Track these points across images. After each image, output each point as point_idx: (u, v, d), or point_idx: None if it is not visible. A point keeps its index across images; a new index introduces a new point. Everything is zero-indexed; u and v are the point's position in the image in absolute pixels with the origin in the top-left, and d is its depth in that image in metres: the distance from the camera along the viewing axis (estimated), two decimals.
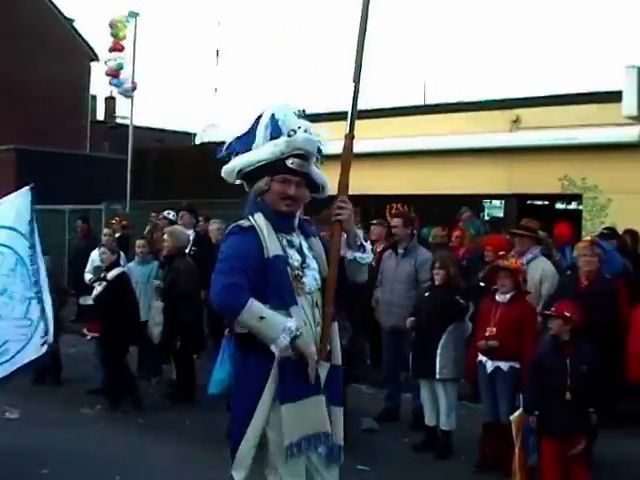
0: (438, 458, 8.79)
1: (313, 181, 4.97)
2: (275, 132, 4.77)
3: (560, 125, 15.67)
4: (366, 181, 16.80)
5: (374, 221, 12.98)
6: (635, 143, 15.16)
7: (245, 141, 4.90)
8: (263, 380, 4.58)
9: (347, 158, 4.92)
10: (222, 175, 4.94)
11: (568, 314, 7.60)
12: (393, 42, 75.61)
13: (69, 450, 8.85)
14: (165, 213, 14.51)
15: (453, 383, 8.97)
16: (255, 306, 4.47)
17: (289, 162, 4.73)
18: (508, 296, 8.38)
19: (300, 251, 4.88)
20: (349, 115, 4.96)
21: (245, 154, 4.84)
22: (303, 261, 4.84)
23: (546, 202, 18.53)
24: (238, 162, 4.84)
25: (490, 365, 8.34)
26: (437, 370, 8.78)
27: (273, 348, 4.46)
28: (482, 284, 9.58)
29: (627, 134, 15.16)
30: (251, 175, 4.84)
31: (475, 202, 16.95)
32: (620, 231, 12.42)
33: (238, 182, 4.95)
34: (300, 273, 4.78)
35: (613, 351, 8.65)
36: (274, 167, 4.74)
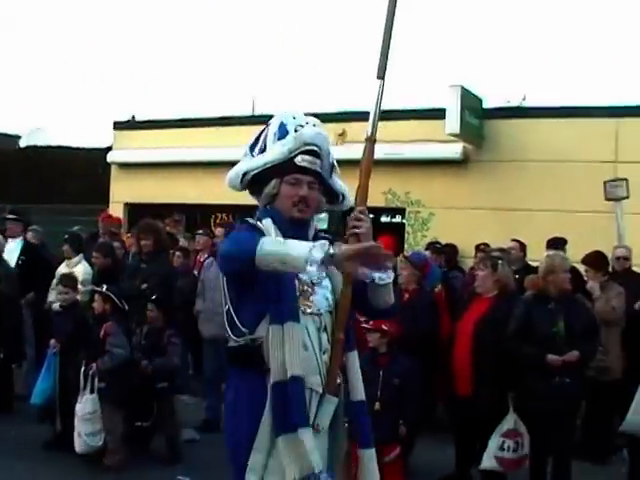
0: None
1: (329, 188, 4.57)
2: (282, 134, 4.39)
3: (385, 140, 15.43)
4: (192, 190, 17.69)
5: (200, 231, 13.14)
6: (457, 160, 15.63)
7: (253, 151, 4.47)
8: (262, 403, 4.08)
9: (368, 164, 4.46)
10: (227, 183, 4.56)
11: (385, 327, 7.85)
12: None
13: None
14: None
15: None
16: (271, 238, 4.05)
17: (298, 160, 4.34)
18: None
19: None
20: (372, 116, 4.48)
21: (251, 158, 4.44)
22: (315, 277, 4.30)
23: (371, 215, 18.46)
24: (243, 165, 4.46)
25: None
26: None
27: (308, 267, 3.78)
28: None
29: (450, 151, 15.55)
30: (258, 180, 4.40)
31: None
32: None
33: (241, 189, 4.55)
34: (310, 290, 4.31)
35: (433, 362, 8.92)
36: (283, 168, 4.34)
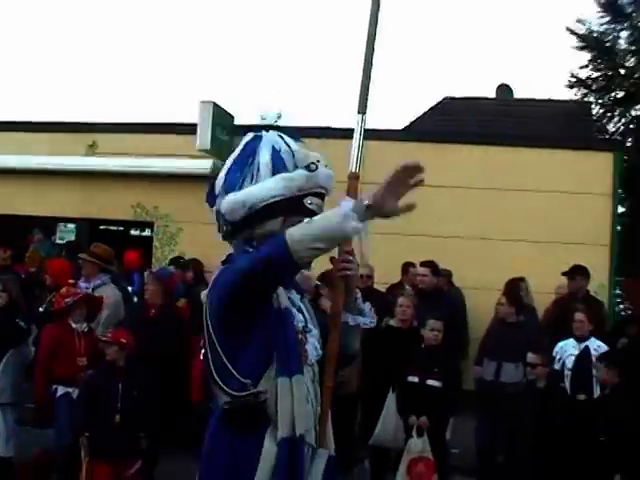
0: None
1: None
2: (278, 163, 4.03)
3: (136, 152, 15.67)
4: None
5: None
6: (206, 175, 15.25)
7: (235, 179, 4.07)
8: (257, 460, 3.68)
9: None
10: (224, 211, 4.03)
11: (123, 340, 8.01)
12: None
13: None
14: None
15: (12, 407, 9.00)
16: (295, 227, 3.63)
17: (308, 202, 3.97)
18: (85, 325, 8.82)
19: (301, 312, 4.05)
20: (354, 152, 4.09)
21: (250, 188, 3.97)
22: (305, 324, 4.02)
23: (120, 227, 16.30)
24: (247, 196, 3.94)
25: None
26: None
27: (353, 224, 3.58)
28: (41, 309, 10.27)
29: (200, 166, 15.48)
30: (258, 212, 3.95)
31: (48, 224, 16.59)
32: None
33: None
34: (304, 339, 3.95)
35: (173, 375, 9.10)
36: (289, 206, 3.93)
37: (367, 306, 4.31)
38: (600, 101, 25.64)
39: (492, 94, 22.04)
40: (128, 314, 9.86)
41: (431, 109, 19.65)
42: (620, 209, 17.67)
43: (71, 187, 16.52)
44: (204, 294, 3.94)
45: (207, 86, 53.42)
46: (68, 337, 8.60)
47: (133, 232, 18.16)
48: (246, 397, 3.70)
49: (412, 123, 19.42)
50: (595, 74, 25.41)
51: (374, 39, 4.07)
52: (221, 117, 15.08)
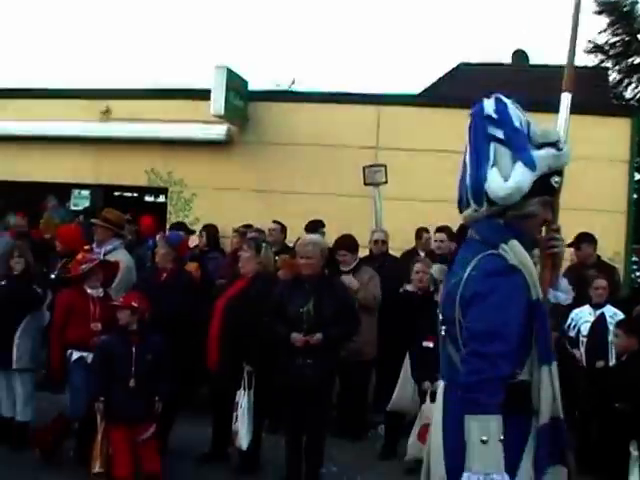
0: (13, 449, 8.78)
1: None
2: (531, 137, 3.98)
3: (150, 118, 15.54)
4: None
5: None
6: (221, 141, 15.63)
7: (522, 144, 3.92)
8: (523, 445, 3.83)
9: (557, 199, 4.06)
10: (502, 194, 3.86)
11: (135, 304, 8.02)
12: None
13: None
14: None
15: (30, 374, 9.06)
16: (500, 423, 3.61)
17: (554, 180, 3.98)
18: (101, 291, 8.75)
19: None
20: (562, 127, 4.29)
21: (522, 170, 3.86)
22: None
23: (134, 194, 16.34)
24: (523, 180, 3.86)
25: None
26: (14, 360, 8.86)
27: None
28: (52, 276, 10.35)
29: (214, 132, 15.52)
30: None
31: (63, 191, 16.52)
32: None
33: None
34: None
35: (187, 341, 8.85)
36: (540, 186, 3.92)
37: (564, 282, 4.31)
38: (617, 67, 25.46)
39: (508, 60, 21.93)
40: (140, 278, 9.80)
41: (446, 75, 19.54)
42: (637, 176, 17.67)
43: (85, 153, 16.42)
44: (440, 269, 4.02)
45: (221, 51, 52.80)
46: (82, 302, 8.58)
47: (147, 198, 18.17)
48: (515, 383, 3.80)
49: (427, 89, 19.32)
50: (613, 39, 25.21)
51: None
52: (235, 82, 14.97)
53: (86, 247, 9.61)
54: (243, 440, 8.28)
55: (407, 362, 9.10)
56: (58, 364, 8.60)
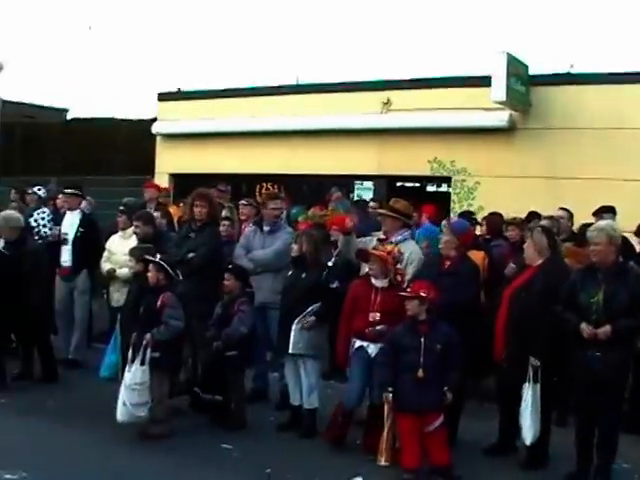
0: (302, 437, 8.96)
1: None
2: None
3: (431, 108, 15.45)
4: (236, 160, 18.48)
5: (243, 201, 13.11)
6: (503, 128, 15.55)
7: None
8: None
9: None
10: None
11: (424, 294, 7.95)
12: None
13: None
14: (36, 189, 14.43)
15: (313, 361, 9.14)
16: None
17: None
18: (386, 282, 8.53)
19: None
20: None
21: None
22: None
23: (417, 184, 15.85)
24: None
25: (373, 349, 8.42)
26: (291, 345, 8.95)
27: None
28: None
29: (496, 118, 15.48)
30: None
31: (346, 183, 16.67)
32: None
33: None
34: None
35: (473, 331, 8.59)
36: None
37: None
38: None
39: None
40: (424, 265, 9.43)
41: None
42: None
43: (368, 145, 16.78)
44: None
45: (498, 37, 49.56)
46: (367, 292, 8.54)
47: (429, 188, 17.61)
48: None
49: None
50: None
51: None
52: (516, 67, 14.72)
53: (381, 236, 9.58)
54: (527, 434, 7.99)
55: None
56: (344, 353, 8.67)
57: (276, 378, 10.25)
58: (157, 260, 9.07)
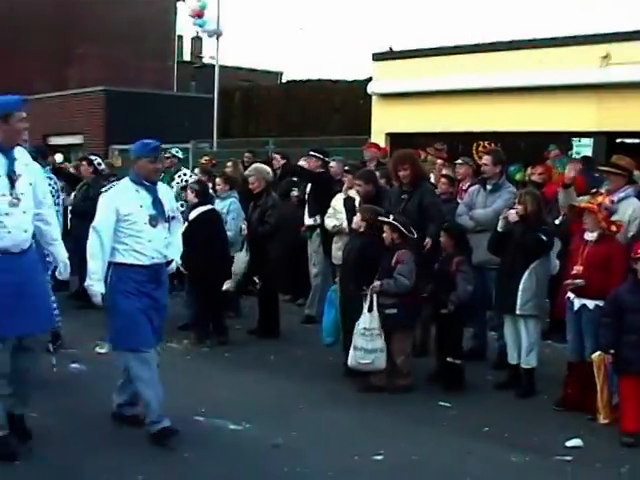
0: (520, 397, 8.97)
1: None
2: None
3: None
4: (453, 118, 17.91)
5: (459, 160, 12.91)
6: None
7: None
8: None
9: None
10: None
11: None
12: None
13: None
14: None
15: (535, 320, 9.07)
16: None
17: None
18: (595, 235, 8.38)
19: None
20: None
21: None
22: None
23: (637, 140, 14.54)
24: None
25: (577, 303, 8.37)
26: (518, 306, 8.88)
27: None
28: (557, 222, 10.26)
29: None
30: None
31: (563, 140, 16.05)
32: None
33: None
34: None
35: None
36: None
37: None
38: None
39: None
40: None
41: None
42: None
43: (586, 101, 16.04)
44: None
45: None
46: (578, 245, 8.64)
47: None
48: None
49: None
50: None
51: None
52: None
53: (593, 190, 9.55)
54: None
55: None
56: (561, 305, 8.74)
57: (494, 337, 10.36)
58: (391, 221, 9.30)
